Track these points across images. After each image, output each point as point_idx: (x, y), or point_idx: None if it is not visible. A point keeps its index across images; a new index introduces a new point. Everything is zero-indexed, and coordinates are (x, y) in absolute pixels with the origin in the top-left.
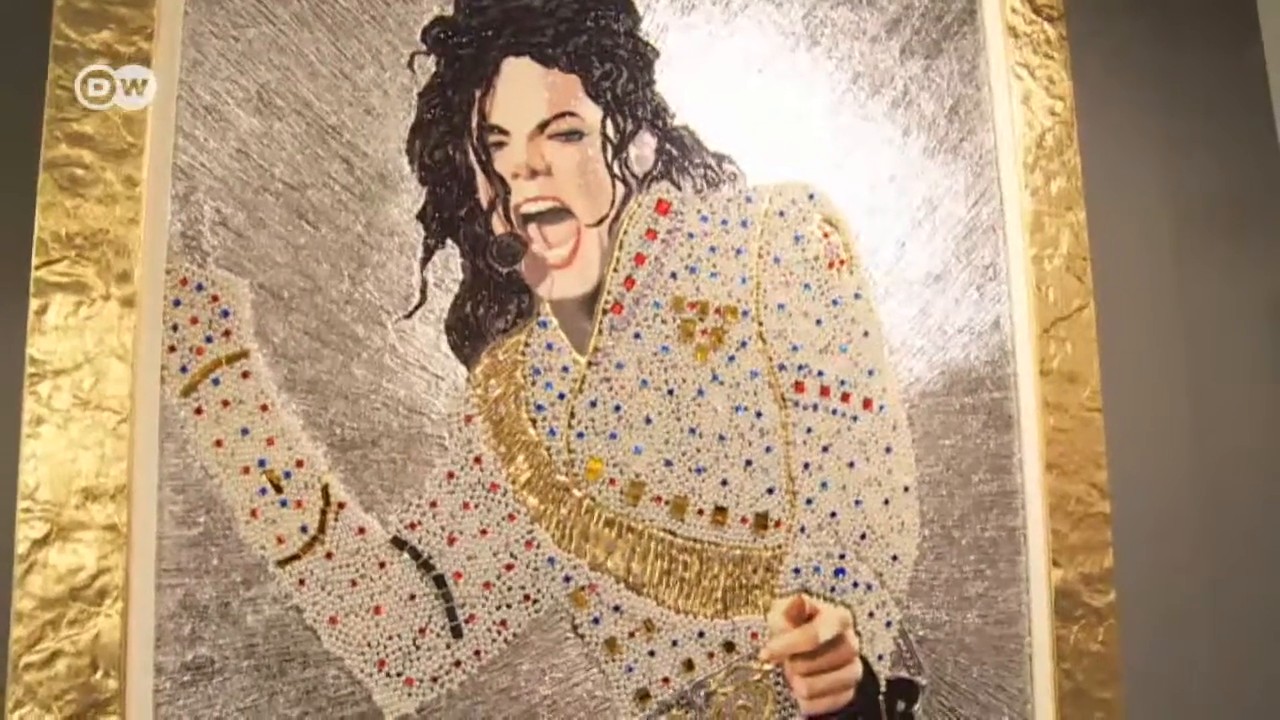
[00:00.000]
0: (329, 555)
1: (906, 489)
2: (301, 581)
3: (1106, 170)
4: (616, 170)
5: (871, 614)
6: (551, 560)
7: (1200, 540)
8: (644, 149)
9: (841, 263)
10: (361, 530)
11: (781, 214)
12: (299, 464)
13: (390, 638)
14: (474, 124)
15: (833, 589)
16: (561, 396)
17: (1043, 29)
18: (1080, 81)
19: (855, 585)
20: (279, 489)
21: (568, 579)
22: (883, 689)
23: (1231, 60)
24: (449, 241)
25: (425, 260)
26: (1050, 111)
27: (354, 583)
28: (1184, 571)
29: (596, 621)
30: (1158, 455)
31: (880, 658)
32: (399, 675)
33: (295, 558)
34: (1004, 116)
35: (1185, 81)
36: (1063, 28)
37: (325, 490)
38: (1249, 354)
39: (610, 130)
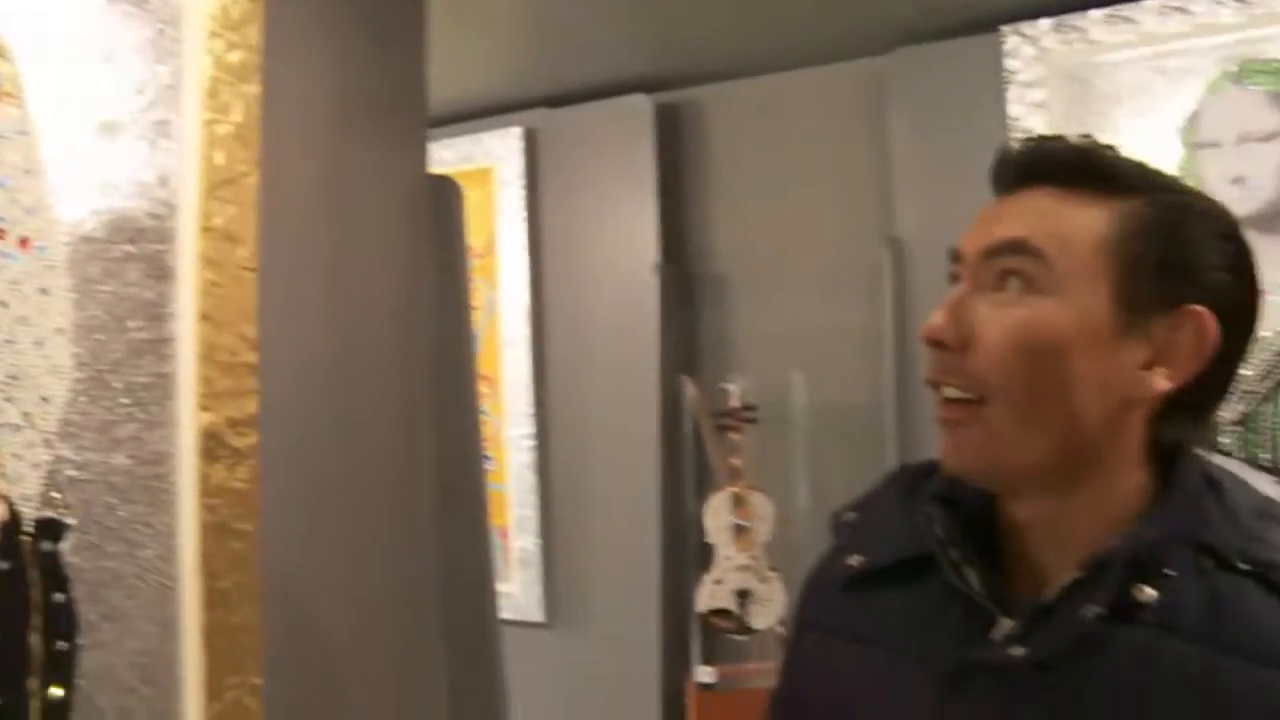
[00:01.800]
0: None
1: (61, 331)
2: None
3: (284, 52)
4: None
5: (18, 455)
6: None
7: (333, 388)
8: None
9: (8, 95)
10: None
11: None
12: None
13: None
14: None
15: None
16: None
17: None
18: None
19: (3, 426)
20: None
21: None
22: (29, 529)
23: None
24: None
25: None
26: None
27: None
28: (317, 415)
29: None
30: (301, 312)
31: (26, 498)
32: None
33: None
34: None
35: None
36: None
37: None
38: (385, 230)
39: None
